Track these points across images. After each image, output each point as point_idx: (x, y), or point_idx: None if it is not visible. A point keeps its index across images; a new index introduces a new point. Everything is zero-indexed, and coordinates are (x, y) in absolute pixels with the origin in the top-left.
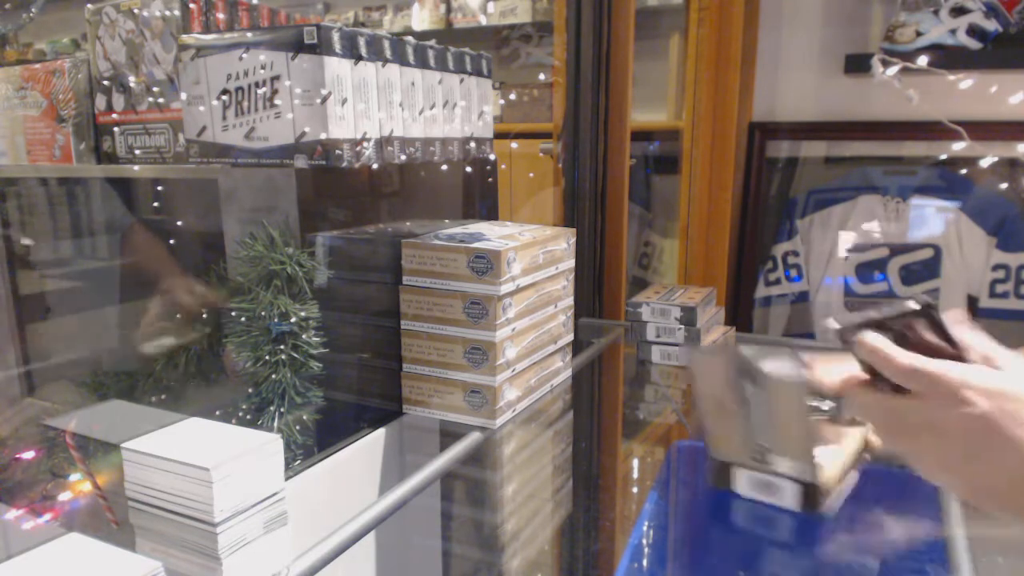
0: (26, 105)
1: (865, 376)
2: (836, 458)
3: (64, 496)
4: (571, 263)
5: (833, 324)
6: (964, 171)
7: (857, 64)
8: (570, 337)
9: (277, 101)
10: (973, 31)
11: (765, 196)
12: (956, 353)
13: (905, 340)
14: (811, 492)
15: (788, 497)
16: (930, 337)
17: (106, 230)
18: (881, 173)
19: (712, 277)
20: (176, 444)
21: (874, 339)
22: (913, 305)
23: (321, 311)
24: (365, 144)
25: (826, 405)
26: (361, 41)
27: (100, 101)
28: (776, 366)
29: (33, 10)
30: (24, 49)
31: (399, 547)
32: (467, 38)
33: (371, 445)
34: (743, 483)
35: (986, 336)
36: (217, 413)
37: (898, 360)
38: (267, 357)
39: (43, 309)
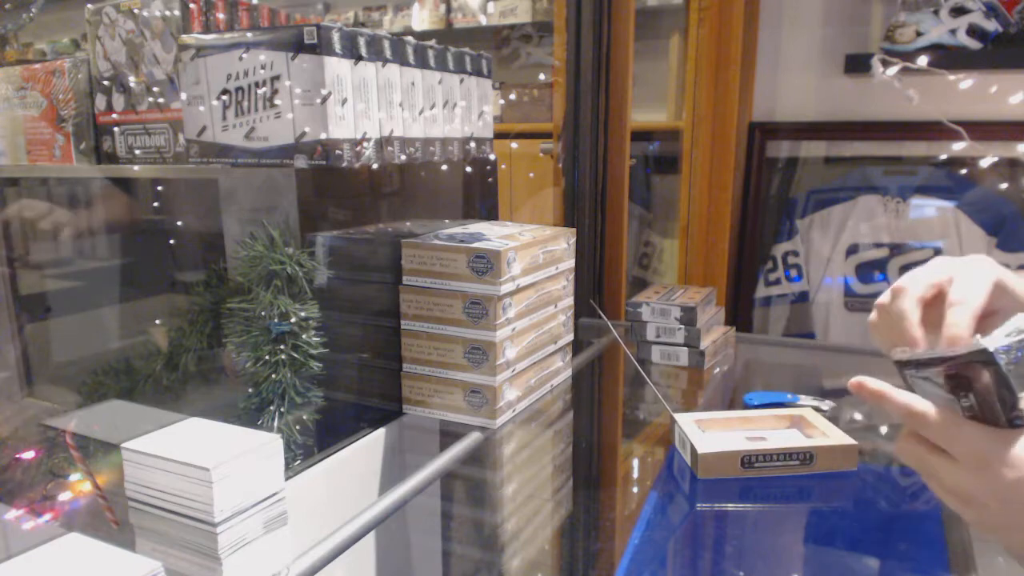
0: (26, 105)
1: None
2: None
3: (64, 496)
4: (571, 263)
5: (898, 354)
6: (964, 171)
7: (857, 64)
8: (570, 337)
9: (277, 101)
10: (973, 31)
11: (765, 196)
12: (1015, 407)
13: (967, 386)
14: None
15: None
16: (989, 387)
17: (106, 230)
18: (881, 173)
19: (712, 277)
20: (176, 444)
21: (911, 399)
22: (974, 348)
23: (321, 311)
24: (365, 144)
25: (825, 405)
26: (361, 41)
27: (100, 101)
28: None
29: (33, 10)
30: (24, 49)
31: (399, 547)
32: (467, 38)
33: (371, 445)
34: None
35: None
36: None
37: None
38: (267, 357)
39: (43, 308)
